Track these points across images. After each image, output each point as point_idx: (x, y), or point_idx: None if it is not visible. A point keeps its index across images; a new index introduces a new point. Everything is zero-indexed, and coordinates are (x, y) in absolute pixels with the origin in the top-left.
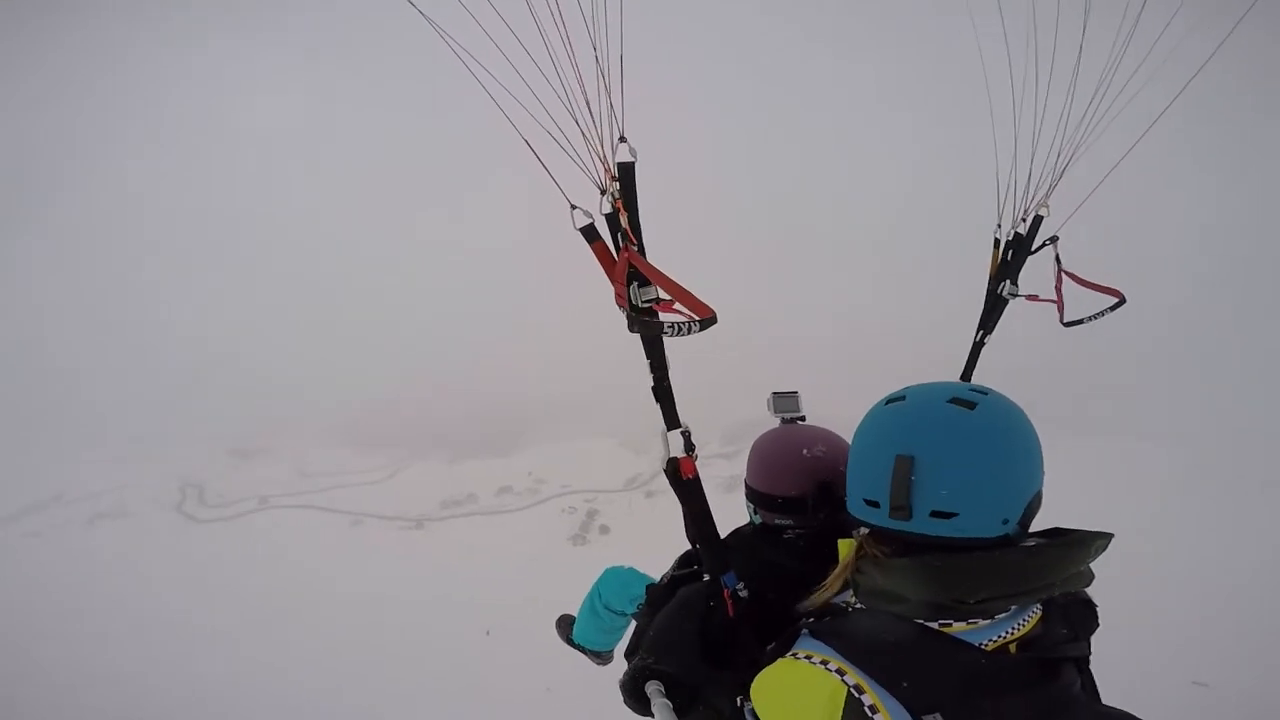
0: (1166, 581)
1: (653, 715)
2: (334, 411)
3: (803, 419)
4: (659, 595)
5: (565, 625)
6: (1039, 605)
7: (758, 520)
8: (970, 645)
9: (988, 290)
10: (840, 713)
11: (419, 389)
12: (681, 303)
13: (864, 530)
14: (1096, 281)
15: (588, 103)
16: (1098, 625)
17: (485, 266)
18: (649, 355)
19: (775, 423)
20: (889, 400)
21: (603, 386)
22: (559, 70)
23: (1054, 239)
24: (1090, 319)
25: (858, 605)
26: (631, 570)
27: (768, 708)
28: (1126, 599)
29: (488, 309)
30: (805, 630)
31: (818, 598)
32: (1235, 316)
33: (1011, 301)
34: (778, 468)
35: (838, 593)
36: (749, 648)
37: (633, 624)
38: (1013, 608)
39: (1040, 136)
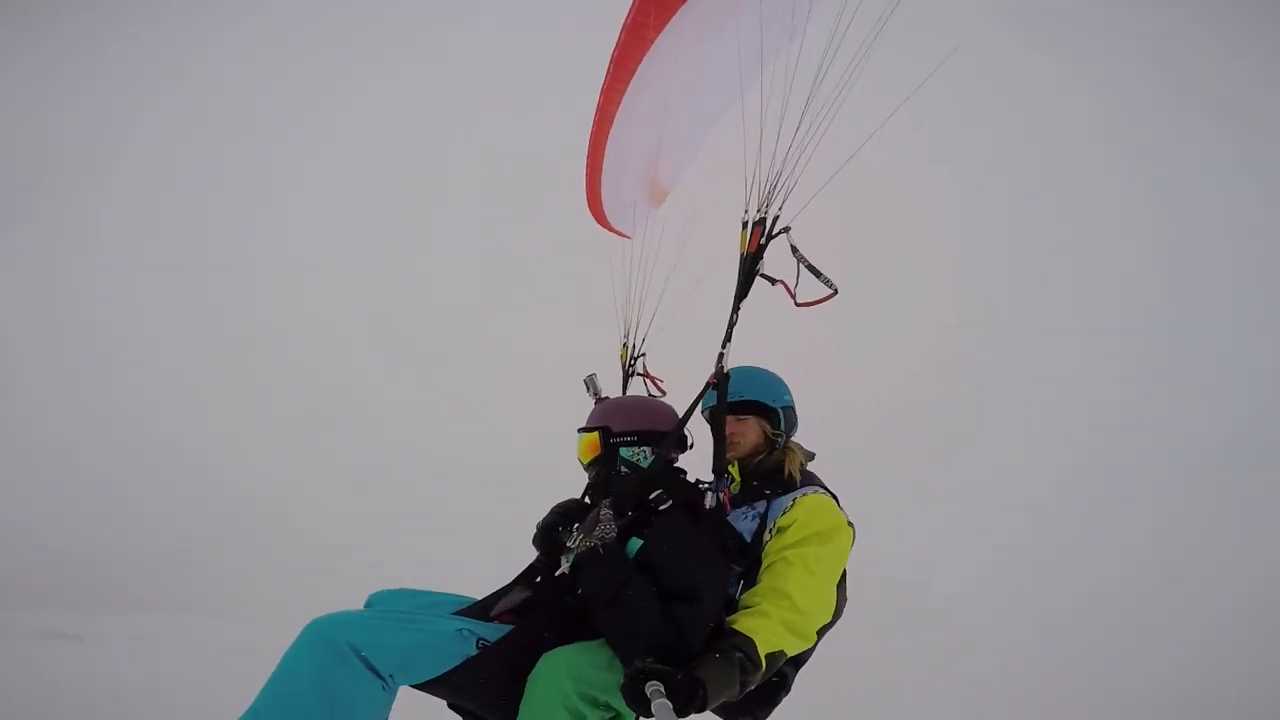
0: None
1: (652, 715)
2: None
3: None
4: (614, 553)
5: None
6: None
7: (649, 461)
8: None
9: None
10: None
11: None
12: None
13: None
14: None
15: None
16: None
17: None
18: (738, 297)
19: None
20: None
21: None
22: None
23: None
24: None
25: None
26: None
27: (815, 516)
28: None
29: None
30: (777, 493)
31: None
32: None
33: None
34: (666, 410)
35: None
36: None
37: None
38: None
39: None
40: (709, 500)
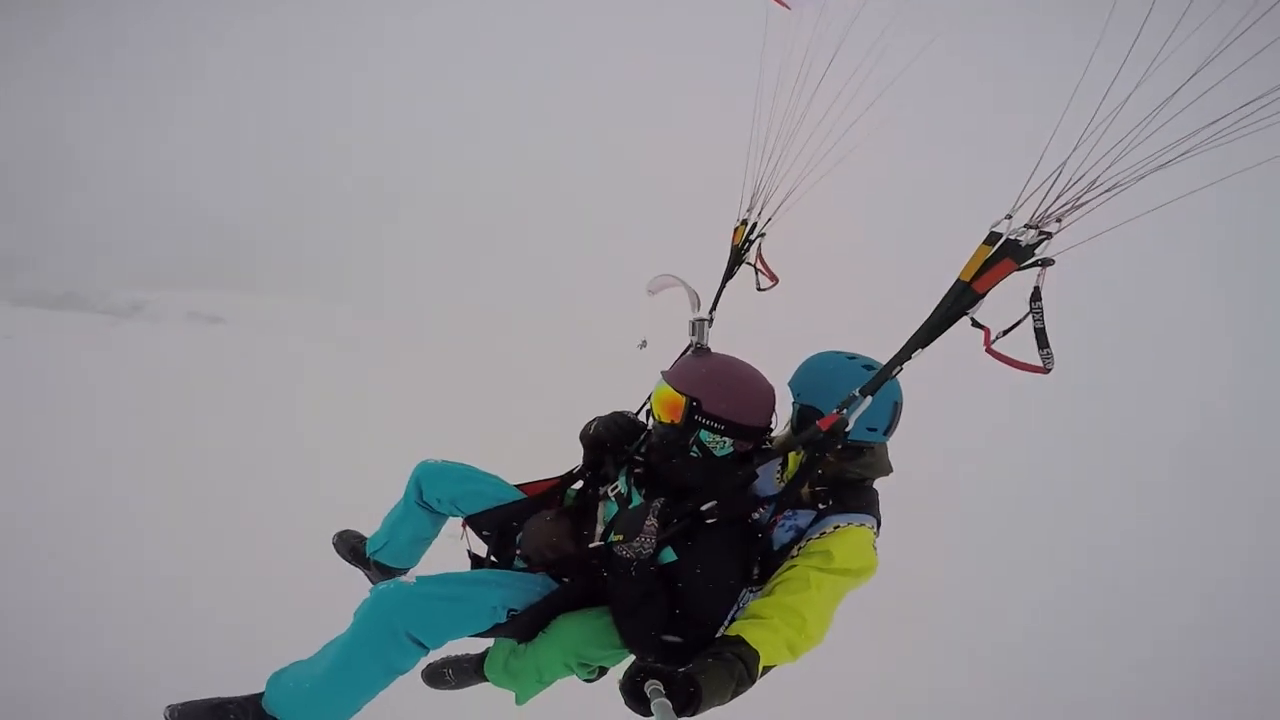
0: None
1: (652, 715)
2: None
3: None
4: (644, 572)
5: (349, 541)
6: None
7: (726, 452)
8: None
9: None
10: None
11: None
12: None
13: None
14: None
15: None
16: None
17: None
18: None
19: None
20: (866, 366)
21: None
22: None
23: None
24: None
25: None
26: (451, 465)
27: (852, 553)
28: None
29: None
30: (828, 512)
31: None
32: None
33: None
34: (765, 403)
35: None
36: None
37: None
38: None
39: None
40: (757, 514)
